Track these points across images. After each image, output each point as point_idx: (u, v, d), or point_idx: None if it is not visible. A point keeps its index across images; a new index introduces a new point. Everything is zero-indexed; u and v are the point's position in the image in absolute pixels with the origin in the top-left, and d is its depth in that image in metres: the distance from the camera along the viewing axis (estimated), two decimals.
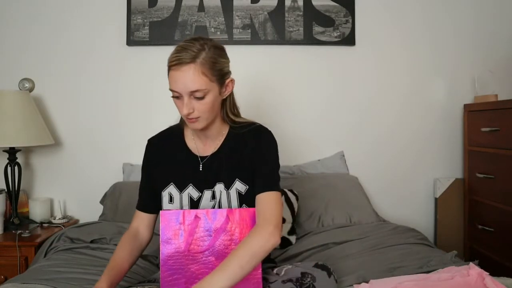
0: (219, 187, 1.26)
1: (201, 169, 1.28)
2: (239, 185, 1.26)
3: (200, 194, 1.27)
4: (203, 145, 1.32)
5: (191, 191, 1.27)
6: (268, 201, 1.19)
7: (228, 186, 1.26)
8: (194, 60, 1.15)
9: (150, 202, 1.32)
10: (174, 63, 1.17)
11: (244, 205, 1.26)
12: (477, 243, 2.19)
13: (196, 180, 1.27)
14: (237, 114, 1.33)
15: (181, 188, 1.27)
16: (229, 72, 1.25)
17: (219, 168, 1.28)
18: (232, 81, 1.26)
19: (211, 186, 1.27)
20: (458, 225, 2.32)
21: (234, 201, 1.26)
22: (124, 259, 1.24)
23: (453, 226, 2.32)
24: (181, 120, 1.36)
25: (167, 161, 1.32)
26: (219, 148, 1.30)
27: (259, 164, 1.25)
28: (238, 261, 1.07)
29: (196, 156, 1.30)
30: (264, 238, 1.11)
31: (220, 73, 1.20)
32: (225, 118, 1.31)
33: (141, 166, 1.38)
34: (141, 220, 1.33)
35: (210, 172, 1.28)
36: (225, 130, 1.32)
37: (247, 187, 1.26)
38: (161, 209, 1.27)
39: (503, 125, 1.97)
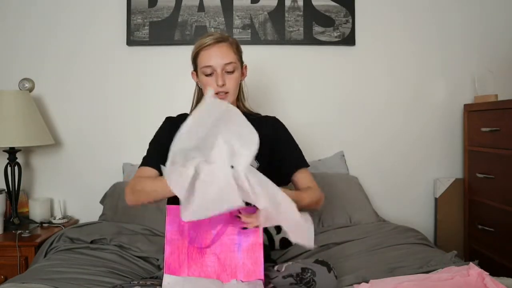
0: None
1: None
2: (252, 162, 1.34)
3: None
4: None
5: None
6: (306, 176, 1.43)
7: None
8: (226, 40, 1.36)
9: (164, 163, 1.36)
10: (207, 43, 1.33)
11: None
12: (477, 243, 2.19)
13: None
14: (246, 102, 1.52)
15: None
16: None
17: None
18: (247, 67, 1.47)
19: None
20: (458, 225, 2.32)
21: None
22: None
23: (453, 226, 2.32)
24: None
25: None
26: None
27: (286, 147, 1.45)
28: (309, 195, 1.33)
29: None
30: (321, 196, 1.38)
31: (241, 56, 1.42)
32: (240, 103, 1.48)
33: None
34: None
35: None
36: None
37: (259, 164, 1.38)
38: None
39: (503, 125, 1.97)
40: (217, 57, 1.32)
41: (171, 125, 1.41)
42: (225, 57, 1.33)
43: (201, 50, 1.34)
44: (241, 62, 1.42)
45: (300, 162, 1.44)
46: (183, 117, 1.44)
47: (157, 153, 1.34)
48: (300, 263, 1.24)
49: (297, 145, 1.49)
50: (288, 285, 1.18)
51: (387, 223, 1.94)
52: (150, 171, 1.33)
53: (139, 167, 1.37)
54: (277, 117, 1.55)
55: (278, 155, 1.43)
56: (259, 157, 1.34)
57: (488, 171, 2.08)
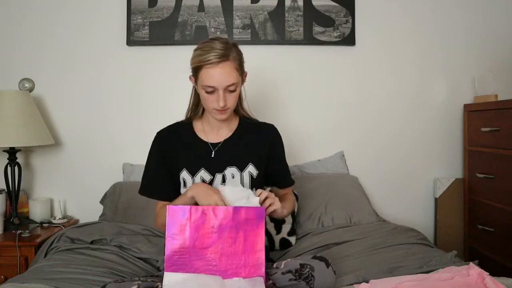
0: (230, 171, 1.38)
1: (213, 155, 1.39)
2: (252, 169, 1.39)
3: (212, 177, 1.37)
4: (215, 134, 1.43)
5: (203, 174, 1.37)
6: (290, 192, 1.57)
7: (242, 169, 1.38)
8: (227, 58, 1.28)
9: (171, 190, 1.41)
10: (211, 61, 1.26)
11: (253, 189, 1.38)
12: (477, 243, 2.19)
13: (208, 164, 1.38)
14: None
15: (193, 172, 1.37)
16: None
17: (231, 153, 1.39)
18: (246, 73, 1.40)
19: (221, 170, 1.38)
20: (458, 225, 2.32)
21: (247, 183, 1.38)
22: None
23: (453, 226, 2.32)
24: (190, 116, 1.47)
25: (178, 150, 1.41)
26: (231, 135, 1.42)
27: (280, 161, 1.50)
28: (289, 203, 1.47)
29: (207, 143, 1.41)
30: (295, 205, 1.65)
31: (242, 67, 1.36)
32: (239, 108, 1.46)
33: (144, 164, 1.46)
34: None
35: (222, 157, 1.39)
36: (236, 120, 1.46)
37: (258, 171, 1.40)
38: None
39: (503, 125, 1.97)
40: (219, 78, 1.27)
41: (163, 142, 1.44)
42: (228, 78, 1.28)
43: (204, 66, 1.27)
44: (242, 71, 1.37)
45: (288, 182, 1.54)
46: (174, 128, 1.47)
47: (164, 181, 1.42)
48: (299, 259, 1.26)
49: (285, 160, 1.53)
50: (287, 281, 1.19)
51: (387, 223, 1.94)
52: (161, 203, 1.43)
53: (140, 192, 1.45)
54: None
55: (271, 166, 1.47)
56: (257, 165, 1.40)
57: (488, 171, 2.08)
